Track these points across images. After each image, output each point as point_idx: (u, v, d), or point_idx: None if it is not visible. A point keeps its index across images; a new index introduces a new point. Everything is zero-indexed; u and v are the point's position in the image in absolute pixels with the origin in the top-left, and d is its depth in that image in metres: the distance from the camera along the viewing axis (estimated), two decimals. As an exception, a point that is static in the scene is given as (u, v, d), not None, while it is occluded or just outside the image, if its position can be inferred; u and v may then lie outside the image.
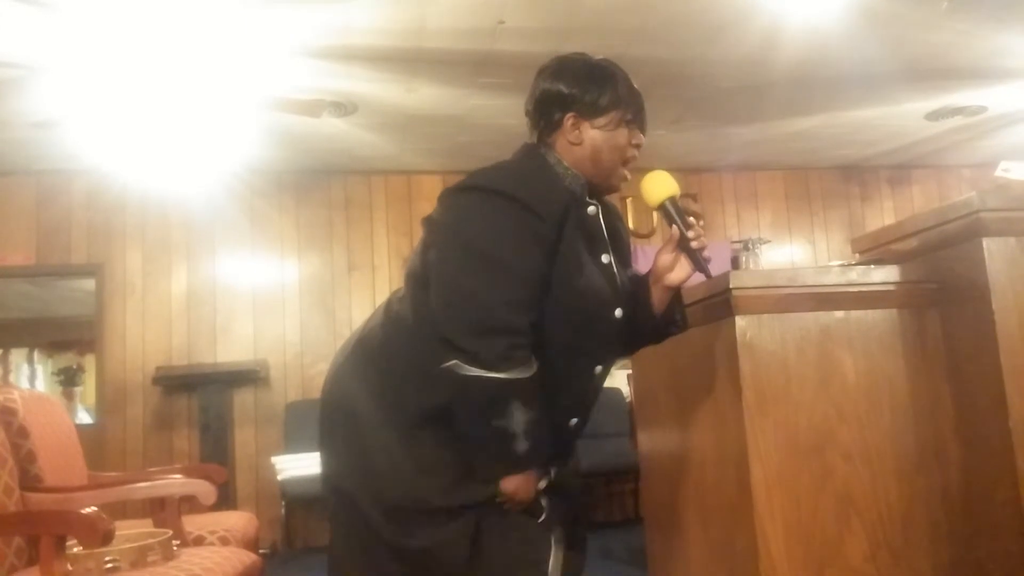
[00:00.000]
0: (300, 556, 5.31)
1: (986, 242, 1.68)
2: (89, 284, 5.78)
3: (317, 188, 6.01)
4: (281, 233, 5.96)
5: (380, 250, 6.07)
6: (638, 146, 1.69)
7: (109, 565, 2.01)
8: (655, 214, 1.75)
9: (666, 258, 1.64)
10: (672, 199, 1.65)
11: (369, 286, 6.01)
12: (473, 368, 1.46)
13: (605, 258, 1.65)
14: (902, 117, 5.68)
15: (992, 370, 1.65)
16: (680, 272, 1.63)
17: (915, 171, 6.95)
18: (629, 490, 6.08)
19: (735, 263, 6.49)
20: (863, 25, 4.14)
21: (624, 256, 1.74)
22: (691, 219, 1.64)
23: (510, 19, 3.99)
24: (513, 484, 1.53)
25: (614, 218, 1.75)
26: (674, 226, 1.63)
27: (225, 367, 5.54)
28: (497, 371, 1.46)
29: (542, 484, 1.61)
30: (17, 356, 8.04)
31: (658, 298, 1.66)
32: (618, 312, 1.63)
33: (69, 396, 6.92)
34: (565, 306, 1.56)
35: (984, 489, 1.69)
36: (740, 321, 1.72)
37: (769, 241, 6.64)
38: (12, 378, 7.69)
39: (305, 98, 4.36)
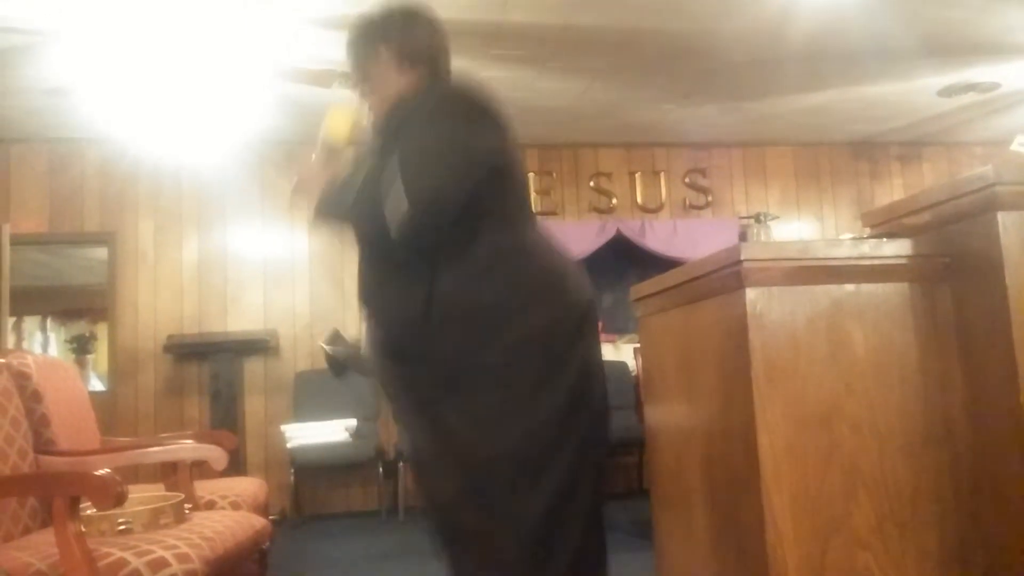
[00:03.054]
0: (308, 522, 5.38)
1: (1001, 216, 1.66)
2: (102, 252, 5.82)
3: (327, 159, 5.99)
4: (292, 203, 5.97)
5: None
6: None
7: (122, 527, 2.04)
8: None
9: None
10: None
11: (378, 258, 6.01)
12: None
13: None
14: (914, 93, 5.63)
15: (1004, 345, 1.64)
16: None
17: (926, 148, 6.89)
18: (633, 463, 6.12)
19: (743, 238, 6.47)
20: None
21: None
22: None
23: (522, -11, 3.96)
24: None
25: None
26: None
27: (235, 336, 5.58)
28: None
29: None
30: (30, 324, 8.09)
31: None
32: None
33: (82, 363, 6.97)
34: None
35: (993, 465, 1.69)
36: (750, 293, 1.71)
37: (777, 217, 6.62)
38: (25, 345, 7.75)
39: (317, 68, 4.35)
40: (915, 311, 1.78)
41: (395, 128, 1.86)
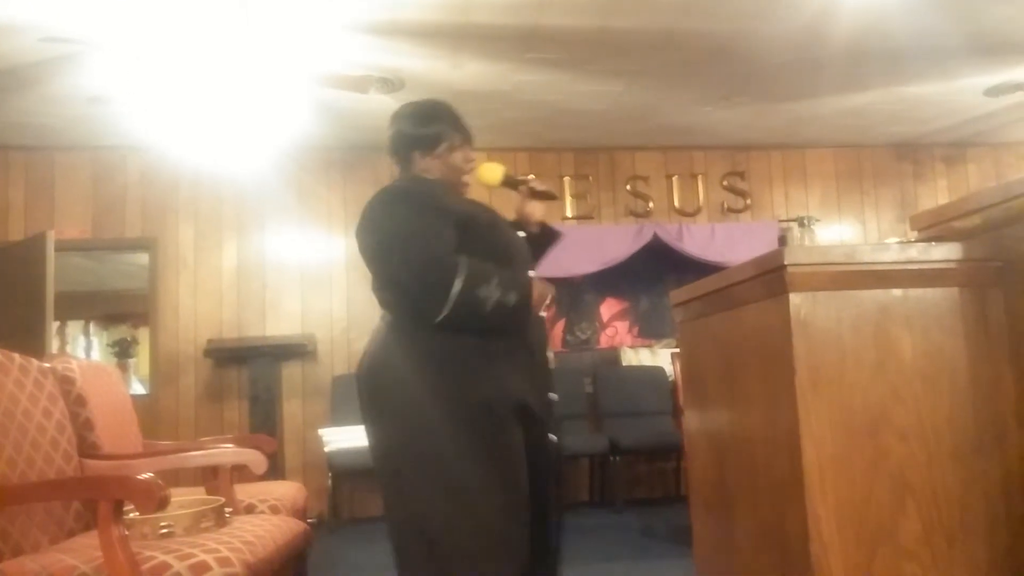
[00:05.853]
0: (346, 526, 5.41)
1: (1054, 220, 1.62)
2: (143, 258, 5.93)
3: (364, 165, 6.04)
4: (329, 209, 6.03)
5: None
6: (472, 160, 2.23)
7: (164, 531, 2.06)
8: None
9: (526, 208, 2.30)
10: (506, 175, 2.29)
11: (414, 262, 6.04)
12: (443, 304, 1.88)
13: (484, 217, 2.15)
14: (960, 93, 5.51)
15: (1057, 352, 1.59)
16: (537, 211, 2.31)
17: (971, 149, 6.75)
18: (671, 468, 6.07)
19: (782, 242, 6.38)
20: (924, -3, 4.01)
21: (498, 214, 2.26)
22: (522, 177, 2.32)
23: (558, -8, 3.95)
24: (539, 295, 2.02)
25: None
26: (520, 187, 2.30)
27: (274, 340, 5.64)
28: (448, 294, 1.87)
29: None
30: (73, 328, 8.27)
31: (533, 231, 2.31)
32: (520, 233, 2.24)
33: (123, 367, 7.11)
34: (494, 240, 2.08)
35: (1045, 473, 1.64)
36: (795, 298, 1.68)
37: (818, 220, 6.52)
38: (69, 349, 7.91)
39: (353, 74, 4.38)
40: (965, 316, 1.74)
41: None
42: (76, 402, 2.59)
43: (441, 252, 1.94)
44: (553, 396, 2.15)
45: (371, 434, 2.08)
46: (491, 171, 2.29)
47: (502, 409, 1.96)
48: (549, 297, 2.08)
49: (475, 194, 2.29)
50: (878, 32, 4.42)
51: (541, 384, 2.10)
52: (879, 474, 1.67)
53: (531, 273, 2.16)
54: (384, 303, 2.09)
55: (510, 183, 2.32)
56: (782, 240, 6.42)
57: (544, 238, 2.38)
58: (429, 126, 2.17)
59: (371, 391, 2.08)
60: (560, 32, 4.34)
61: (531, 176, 2.38)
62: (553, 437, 2.13)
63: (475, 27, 4.25)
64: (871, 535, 1.66)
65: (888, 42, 4.57)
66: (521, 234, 2.25)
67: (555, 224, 2.48)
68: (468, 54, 4.60)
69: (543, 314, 2.15)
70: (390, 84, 4.88)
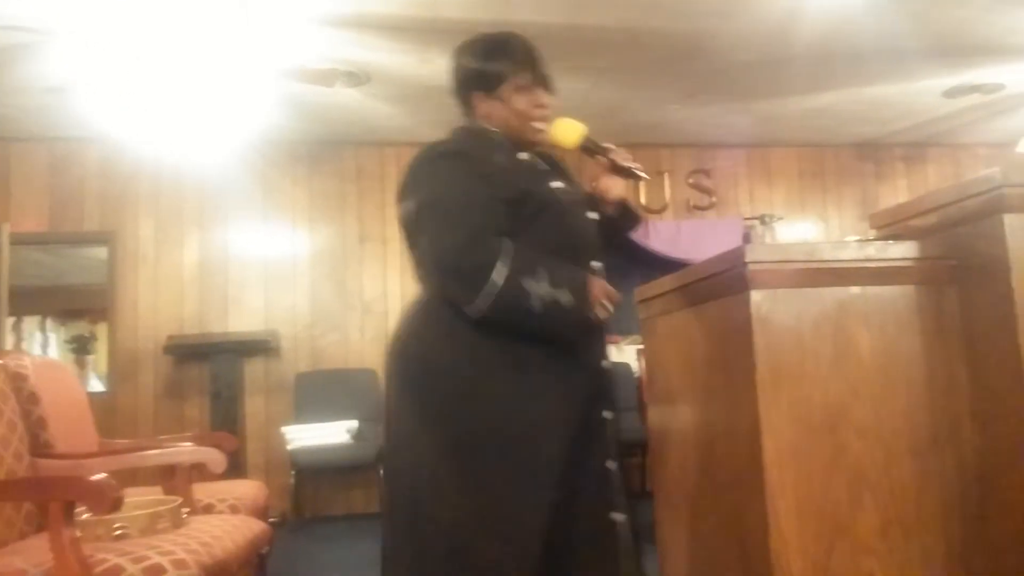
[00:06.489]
0: (309, 525, 5.37)
1: (1007, 218, 1.64)
2: (102, 252, 5.80)
3: (330, 159, 5.99)
4: (293, 203, 5.96)
5: (392, 222, 6.00)
6: (543, 106, 1.87)
7: (118, 532, 2.02)
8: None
9: (604, 182, 1.94)
10: (584, 137, 1.91)
11: (380, 258, 6.01)
12: (479, 298, 1.62)
13: (556, 184, 1.86)
14: (920, 94, 5.60)
15: (1009, 349, 1.62)
16: (618, 188, 1.96)
17: (930, 149, 6.86)
18: (636, 464, 6.09)
19: (747, 239, 6.44)
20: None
21: (571, 180, 1.96)
22: (606, 145, 1.93)
23: (525, -12, 3.94)
24: (596, 297, 1.72)
25: (549, 158, 1.97)
26: (598, 156, 1.93)
27: (236, 336, 5.57)
28: (486, 285, 1.61)
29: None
30: (30, 324, 8.08)
31: (611, 212, 1.97)
32: (590, 214, 1.90)
33: (81, 364, 6.96)
34: (551, 222, 1.77)
35: (998, 469, 1.67)
36: (755, 295, 1.69)
37: (782, 218, 6.59)
38: (25, 346, 7.73)
39: (319, 67, 4.33)
40: (921, 314, 1.76)
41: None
42: (28, 400, 2.53)
43: (482, 228, 1.66)
44: (607, 414, 1.84)
45: (400, 423, 1.78)
46: (567, 130, 1.91)
47: (532, 431, 1.68)
48: (609, 299, 1.75)
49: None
50: (841, 34, 4.47)
51: (590, 400, 1.80)
52: (837, 469, 1.68)
53: (596, 264, 1.89)
54: (420, 280, 1.81)
55: (588, 148, 1.94)
56: (747, 237, 6.48)
57: (622, 222, 2.02)
58: (492, 61, 1.84)
59: (403, 382, 1.78)
60: (528, 29, 4.25)
61: (613, 145, 1.95)
62: (611, 464, 1.82)
63: (444, 22, 4.22)
64: (829, 529, 1.68)
65: (850, 44, 4.62)
66: (592, 215, 1.91)
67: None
68: (437, 49, 4.56)
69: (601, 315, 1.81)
70: (356, 78, 4.84)
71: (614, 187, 1.94)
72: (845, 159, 6.80)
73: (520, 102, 1.83)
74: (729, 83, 5.26)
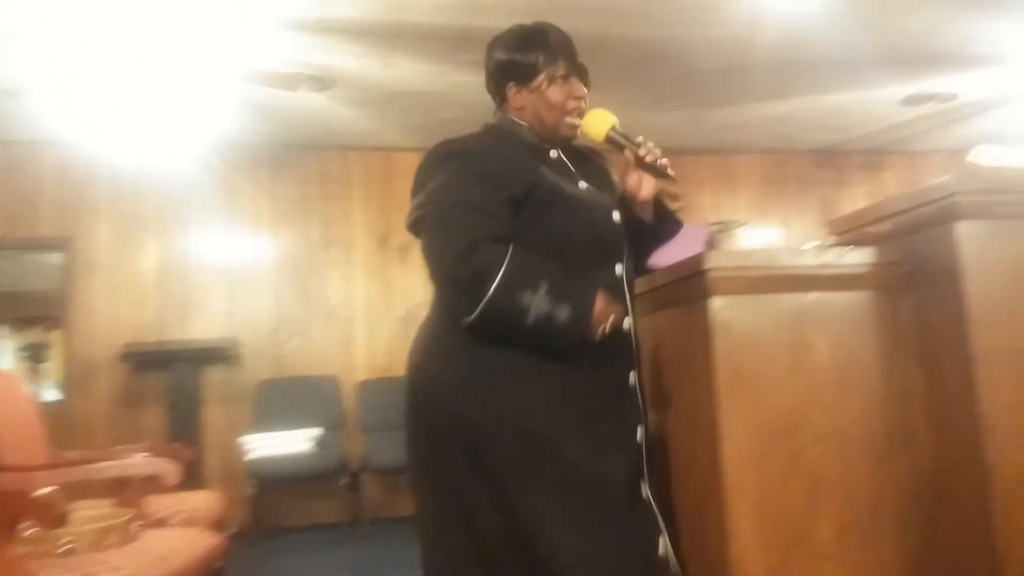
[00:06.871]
0: (268, 536, 5.28)
1: (959, 226, 1.67)
2: (57, 258, 5.67)
3: (294, 163, 5.92)
4: (257, 208, 5.88)
5: (357, 227, 6.01)
6: (578, 98, 1.80)
7: (66, 547, 1.96)
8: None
9: (632, 180, 1.79)
10: (613, 128, 1.80)
11: (345, 263, 5.95)
12: (472, 308, 1.56)
13: (582, 185, 1.79)
14: (878, 102, 5.69)
15: (963, 355, 1.64)
16: (648, 186, 1.79)
17: (888, 156, 6.98)
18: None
19: (711, 245, 6.48)
20: (843, 9, 4.12)
21: (603, 182, 1.87)
22: (638, 138, 1.80)
23: (490, -6, 3.93)
24: (598, 318, 1.61)
25: (585, 157, 1.89)
26: (626, 150, 1.79)
27: (195, 344, 5.46)
28: (480, 295, 1.55)
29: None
30: (-17, 331, 7.88)
31: (643, 215, 1.82)
32: (615, 215, 1.76)
33: (35, 372, 6.81)
34: (564, 221, 1.68)
35: (953, 473, 1.69)
36: (716, 302, 1.70)
37: (745, 224, 6.65)
38: (-22, 353, 7.54)
39: (283, 71, 4.28)
40: (877, 320, 1.78)
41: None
42: (-25, 410, 2.45)
43: (481, 235, 1.58)
44: (639, 434, 1.71)
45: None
46: (596, 120, 1.79)
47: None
48: (611, 319, 1.63)
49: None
50: (801, 42, 4.53)
51: (615, 420, 1.67)
52: (795, 476, 1.69)
53: (619, 269, 1.74)
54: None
55: (614, 140, 1.80)
56: (711, 243, 6.52)
57: (658, 227, 1.83)
58: (526, 51, 1.77)
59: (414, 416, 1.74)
60: (494, 34, 4.30)
61: (642, 139, 1.80)
62: (645, 491, 1.69)
63: (409, 27, 4.20)
64: (788, 536, 1.68)
65: (809, 52, 4.68)
66: (616, 216, 1.76)
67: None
68: (401, 53, 4.54)
69: (627, 326, 1.71)
70: (321, 82, 4.79)
71: (643, 185, 1.78)
72: (806, 166, 6.89)
73: (556, 93, 1.76)
74: (693, 90, 5.30)
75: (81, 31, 3.71)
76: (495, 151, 1.72)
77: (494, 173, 1.66)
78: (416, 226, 1.72)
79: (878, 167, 6.98)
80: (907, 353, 1.77)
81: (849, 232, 1.98)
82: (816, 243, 2.15)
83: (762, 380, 1.70)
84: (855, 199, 6.83)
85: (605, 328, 1.61)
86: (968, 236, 1.66)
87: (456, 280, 1.59)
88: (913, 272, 1.77)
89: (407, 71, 4.75)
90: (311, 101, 5.03)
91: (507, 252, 1.57)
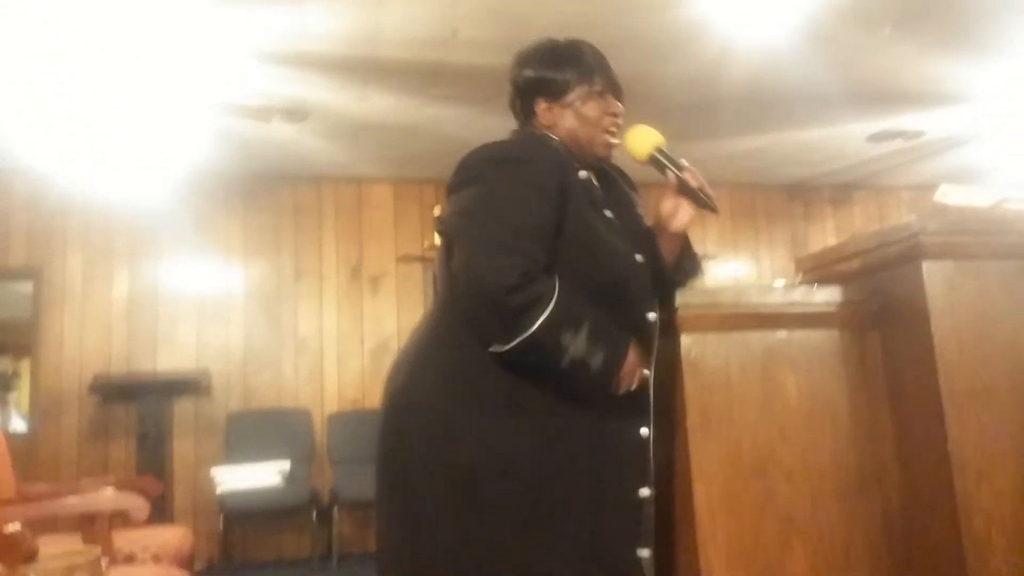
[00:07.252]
0: (238, 571, 5.19)
1: (925, 265, 1.70)
2: (27, 287, 5.59)
3: (266, 194, 5.91)
4: (228, 239, 5.85)
5: (328, 258, 5.99)
6: (615, 115, 1.71)
7: (31, 585, 1.92)
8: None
9: (668, 205, 1.70)
10: (659, 148, 1.70)
11: (316, 294, 5.92)
12: (509, 338, 1.45)
13: (608, 213, 1.66)
14: (845, 138, 5.81)
15: (931, 393, 1.67)
16: (683, 215, 1.69)
17: (857, 192, 7.11)
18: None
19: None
20: (811, 47, 4.22)
21: (629, 212, 1.76)
22: (682, 161, 1.70)
23: (464, 30, 3.98)
24: (626, 373, 1.53)
25: (614, 181, 1.79)
26: (668, 172, 1.69)
27: (165, 375, 5.40)
28: (522, 328, 1.44)
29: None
30: (-53, 360, 7.69)
31: (667, 248, 1.71)
32: (638, 257, 1.63)
33: (2, 402, 6.67)
34: (587, 265, 1.56)
35: (923, 511, 1.71)
36: (685, 339, 1.71)
37: (715, 257, 6.73)
38: (-60, 383, 7.36)
39: (256, 103, 4.29)
40: (846, 358, 1.80)
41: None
42: (-62, 445, 2.40)
43: (533, 269, 1.46)
44: (644, 493, 1.59)
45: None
46: (640, 137, 1.69)
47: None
48: (637, 375, 1.56)
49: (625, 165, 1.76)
50: (769, 79, 4.62)
51: (615, 477, 1.57)
52: (767, 514, 1.70)
53: (651, 316, 1.62)
54: (442, 292, 1.63)
55: (658, 161, 1.69)
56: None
57: (681, 266, 1.73)
58: (560, 66, 1.68)
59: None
60: (466, 69, 4.36)
61: (687, 163, 1.71)
62: (644, 553, 1.58)
63: (382, 61, 4.23)
64: (760, 574, 1.69)
65: (777, 89, 4.78)
66: (639, 257, 1.63)
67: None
68: (375, 87, 4.57)
69: (647, 372, 1.60)
70: (294, 114, 4.80)
71: (679, 214, 1.68)
72: (775, 200, 6.99)
73: (592, 109, 1.67)
74: (663, 124, 5.29)
75: (53, 61, 3.70)
76: (547, 164, 1.59)
77: (549, 188, 1.54)
78: (453, 231, 1.58)
79: (847, 202, 7.11)
80: (876, 391, 1.79)
81: (817, 269, 2.01)
82: (784, 281, 2.18)
83: (732, 418, 1.72)
84: (824, 233, 6.94)
85: (631, 384, 1.55)
86: (934, 275, 1.70)
87: (502, 309, 1.45)
88: (880, 310, 1.80)
89: (380, 104, 4.78)
90: (284, 133, 5.04)
91: (555, 288, 1.47)
